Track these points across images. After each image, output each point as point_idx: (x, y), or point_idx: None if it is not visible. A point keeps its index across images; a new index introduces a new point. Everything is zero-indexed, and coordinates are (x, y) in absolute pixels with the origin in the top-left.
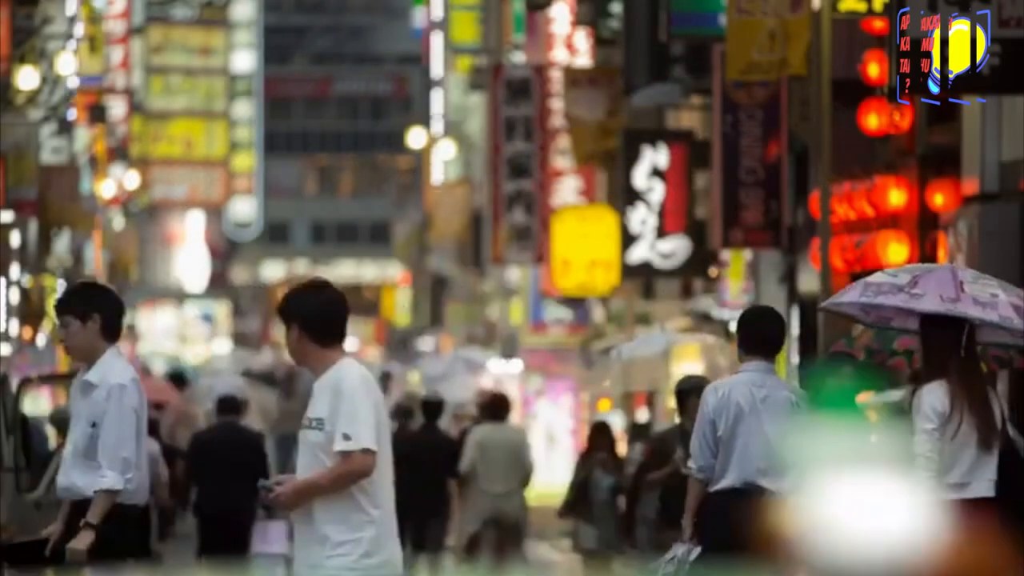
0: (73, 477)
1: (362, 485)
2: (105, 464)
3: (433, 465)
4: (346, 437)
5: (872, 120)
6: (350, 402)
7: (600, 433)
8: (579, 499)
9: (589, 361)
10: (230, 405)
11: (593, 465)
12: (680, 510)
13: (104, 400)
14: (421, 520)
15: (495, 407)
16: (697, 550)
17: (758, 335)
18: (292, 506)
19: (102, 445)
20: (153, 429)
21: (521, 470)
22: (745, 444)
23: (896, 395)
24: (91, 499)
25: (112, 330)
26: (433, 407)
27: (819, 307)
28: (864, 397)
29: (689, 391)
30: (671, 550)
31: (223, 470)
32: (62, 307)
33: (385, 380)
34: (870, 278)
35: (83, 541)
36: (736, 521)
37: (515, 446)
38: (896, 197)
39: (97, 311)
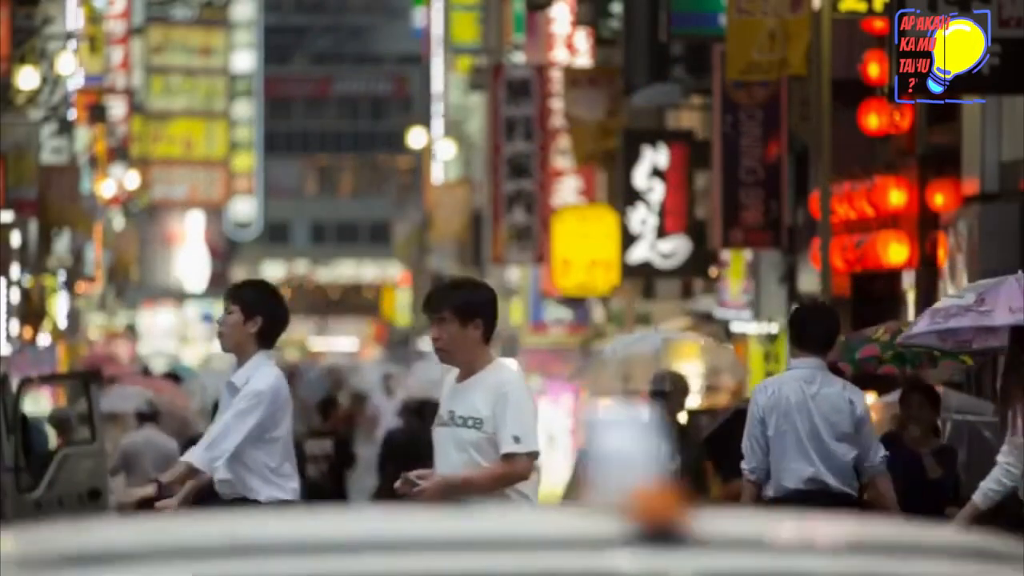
0: (227, 475)
1: (518, 486)
2: (203, 444)
3: (420, 465)
4: (516, 440)
5: (872, 120)
6: (517, 404)
7: None
8: (579, 494)
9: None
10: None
11: None
12: None
13: (240, 400)
14: None
15: None
16: None
17: (810, 331)
18: (440, 502)
19: (213, 428)
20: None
21: None
22: (798, 442)
23: (891, 398)
24: (244, 498)
25: (268, 338)
26: (428, 411)
27: (896, 342)
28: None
29: (665, 389)
30: None
31: None
32: (233, 295)
33: (387, 381)
34: (936, 305)
35: (143, 492)
36: None
37: None
38: (896, 197)
39: (262, 315)
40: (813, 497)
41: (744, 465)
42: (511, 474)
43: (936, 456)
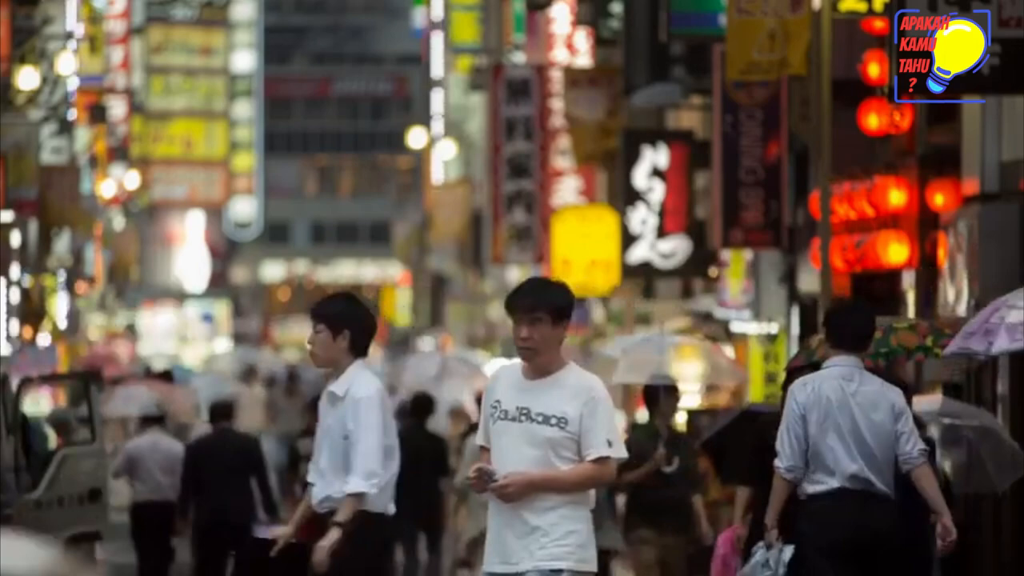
0: (332, 489)
1: (592, 491)
2: (354, 471)
3: (420, 464)
4: (609, 444)
5: (872, 120)
6: (607, 409)
7: None
8: None
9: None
10: (222, 411)
11: None
12: (658, 508)
13: (352, 414)
14: (413, 520)
15: None
16: (789, 548)
17: (847, 329)
18: (519, 498)
19: (354, 455)
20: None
21: None
22: (841, 440)
23: None
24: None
25: (359, 347)
26: (422, 406)
27: (943, 354)
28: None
29: (658, 389)
30: (757, 555)
31: (220, 477)
32: (318, 314)
33: (389, 378)
34: (1010, 320)
35: (330, 539)
36: (846, 522)
37: None
38: (896, 197)
39: (348, 328)
40: (857, 495)
41: (779, 463)
42: (601, 476)
43: None
